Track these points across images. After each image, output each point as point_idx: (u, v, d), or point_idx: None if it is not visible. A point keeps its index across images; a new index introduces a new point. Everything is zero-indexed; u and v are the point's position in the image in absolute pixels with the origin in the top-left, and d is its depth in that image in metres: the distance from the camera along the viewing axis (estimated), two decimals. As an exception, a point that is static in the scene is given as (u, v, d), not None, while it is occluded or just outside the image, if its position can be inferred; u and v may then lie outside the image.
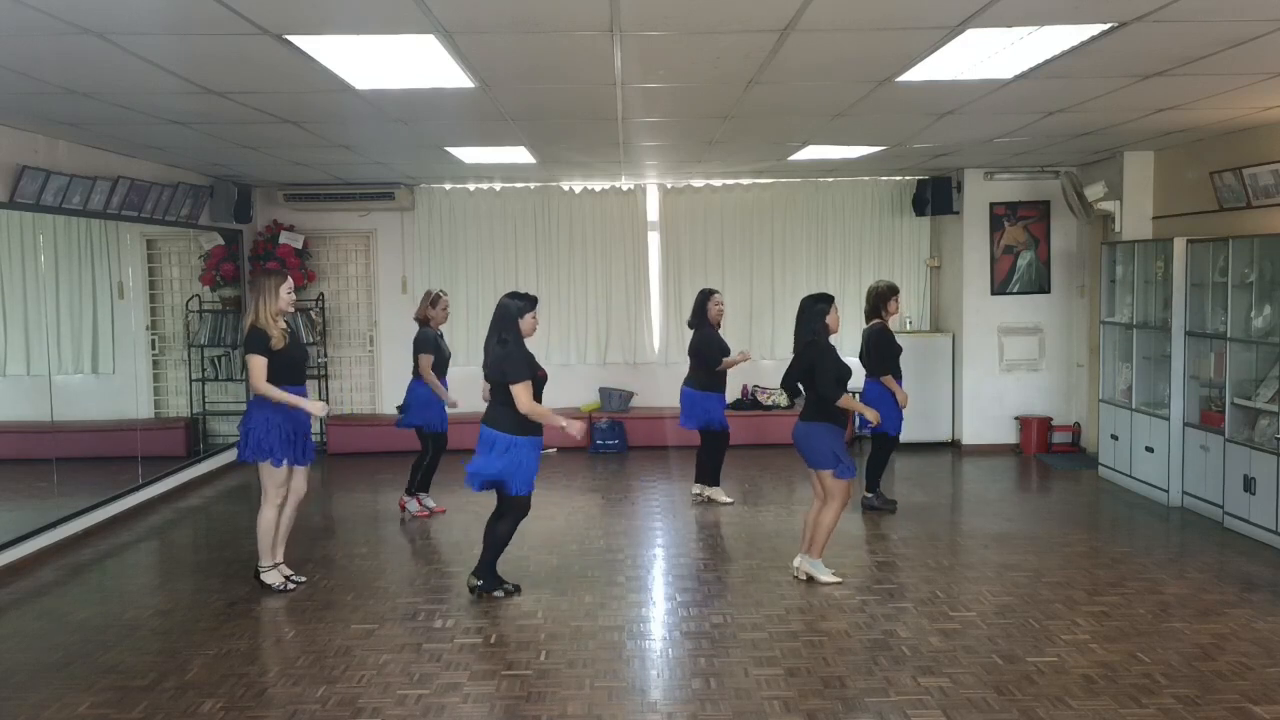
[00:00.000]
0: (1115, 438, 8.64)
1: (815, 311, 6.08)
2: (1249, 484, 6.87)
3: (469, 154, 8.26)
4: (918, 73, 5.26)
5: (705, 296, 8.11)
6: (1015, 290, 10.27)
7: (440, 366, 7.75)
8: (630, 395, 10.90)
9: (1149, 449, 8.10)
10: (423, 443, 7.81)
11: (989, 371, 10.30)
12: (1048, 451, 10.09)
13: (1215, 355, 7.41)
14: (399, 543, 7.28)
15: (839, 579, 6.00)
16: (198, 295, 9.80)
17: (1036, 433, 10.09)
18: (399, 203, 10.51)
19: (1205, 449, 7.46)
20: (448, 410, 7.79)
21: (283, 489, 5.93)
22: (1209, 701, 4.34)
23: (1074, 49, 4.77)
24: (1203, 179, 7.90)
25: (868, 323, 7.80)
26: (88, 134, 6.89)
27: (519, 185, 10.85)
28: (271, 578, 6.03)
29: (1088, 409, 9.95)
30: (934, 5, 4.09)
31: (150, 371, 9.01)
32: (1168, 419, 7.86)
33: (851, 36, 4.55)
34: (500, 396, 5.66)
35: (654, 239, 11.07)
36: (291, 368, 5.85)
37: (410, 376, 7.79)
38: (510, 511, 5.79)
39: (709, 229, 10.98)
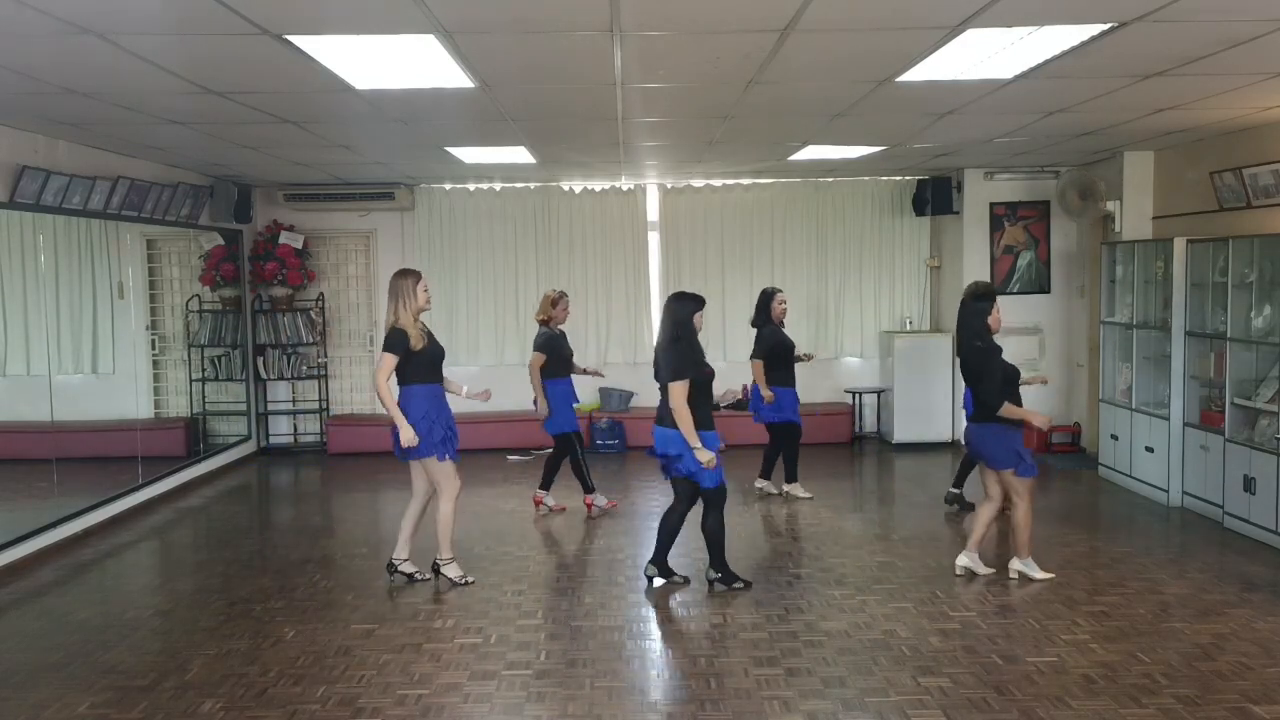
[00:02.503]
0: (1115, 438, 8.64)
1: (975, 311, 5.88)
2: (1249, 484, 6.87)
3: (469, 154, 8.26)
4: (918, 73, 5.26)
5: (769, 296, 8.10)
6: (1015, 290, 10.27)
7: (562, 366, 7.71)
8: (630, 395, 10.90)
9: (1149, 449, 8.10)
10: (564, 442, 7.74)
11: (989, 371, 10.28)
12: (1048, 451, 10.08)
13: (1215, 355, 7.41)
14: (399, 543, 7.28)
15: (1051, 575, 6.01)
16: (198, 295, 9.79)
17: (1036, 433, 10.08)
18: (399, 203, 10.50)
19: (1205, 449, 7.45)
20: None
21: (456, 480, 6.02)
22: (1209, 701, 4.33)
23: (1074, 49, 4.78)
24: (1203, 179, 7.90)
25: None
26: (88, 134, 6.89)
27: (519, 185, 10.84)
28: (452, 570, 6.10)
29: (1088, 409, 9.95)
30: (934, 5, 4.09)
31: (150, 371, 9.01)
32: (1168, 419, 7.86)
33: (851, 36, 4.55)
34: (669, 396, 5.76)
35: (654, 239, 11.07)
36: (431, 366, 5.92)
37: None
38: (710, 506, 5.89)
39: (709, 229, 10.97)
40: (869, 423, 11.15)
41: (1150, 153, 8.79)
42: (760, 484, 8.42)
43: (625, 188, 10.91)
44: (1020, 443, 5.83)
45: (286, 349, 10.67)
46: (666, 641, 5.16)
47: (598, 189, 10.92)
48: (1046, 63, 5.06)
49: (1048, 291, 10.29)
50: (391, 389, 5.74)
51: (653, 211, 11.04)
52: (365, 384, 11.06)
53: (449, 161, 8.70)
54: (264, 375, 10.63)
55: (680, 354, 5.71)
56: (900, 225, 11.01)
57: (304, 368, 10.72)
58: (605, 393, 10.83)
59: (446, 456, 5.93)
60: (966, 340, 5.96)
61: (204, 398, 9.89)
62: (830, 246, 11.00)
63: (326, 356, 10.88)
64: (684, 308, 5.83)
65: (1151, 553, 6.66)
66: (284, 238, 10.46)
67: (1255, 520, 6.81)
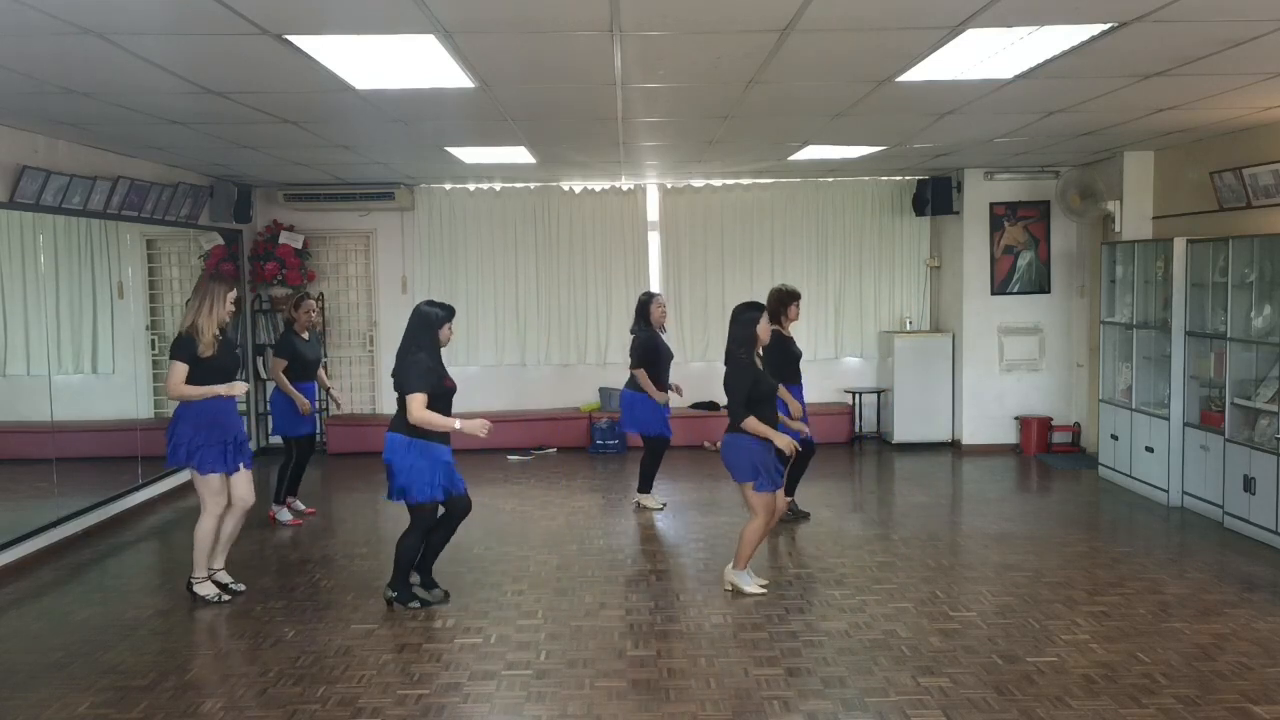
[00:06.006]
0: (1115, 438, 8.64)
1: (744, 320, 5.64)
2: (1249, 484, 6.87)
3: (469, 154, 8.26)
4: (918, 73, 5.26)
5: (648, 299, 7.89)
6: (1015, 290, 10.27)
7: (307, 370, 7.65)
8: (630, 395, 10.88)
9: (1149, 449, 8.10)
10: (287, 448, 7.72)
11: (989, 371, 10.30)
12: (1048, 451, 10.08)
13: (1215, 355, 7.41)
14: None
15: (763, 589, 5.79)
16: (198, 295, 9.78)
17: (1036, 433, 10.09)
18: (399, 203, 10.51)
19: (1205, 449, 7.45)
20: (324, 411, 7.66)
21: (220, 497, 5.80)
22: (1209, 701, 4.34)
23: (1074, 49, 4.77)
24: (1203, 179, 7.90)
25: None
26: (88, 134, 6.89)
27: (519, 185, 10.85)
28: (205, 589, 5.85)
29: (1088, 409, 9.95)
30: (934, 5, 4.09)
31: (150, 371, 9.00)
32: (1168, 419, 7.86)
33: (851, 36, 4.55)
34: (403, 402, 5.46)
35: (654, 239, 11.07)
36: (222, 374, 5.75)
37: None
38: (412, 522, 5.56)
39: (709, 229, 10.98)
40: (869, 423, 11.14)
41: (1150, 153, 8.79)
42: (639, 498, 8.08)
43: (625, 188, 10.92)
44: (764, 457, 5.52)
45: (286, 349, 10.65)
46: (666, 641, 5.16)
47: (598, 189, 10.92)
48: (1046, 63, 5.06)
49: (1048, 291, 10.29)
50: (201, 391, 5.61)
51: (653, 211, 11.05)
52: (365, 384, 11.08)
53: (449, 161, 8.70)
54: (264, 375, 10.62)
55: (416, 365, 5.37)
56: (900, 225, 11.01)
57: (304, 368, 10.70)
58: (605, 393, 10.83)
59: (209, 471, 5.71)
60: (729, 347, 5.71)
61: (204, 398, 9.87)
62: (830, 246, 11.00)
63: (326, 357, 10.86)
64: (431, 316, 5.46)
65: (1151, 553, 6.66)
66: (284, 238, 10.46)
67: (1255, 520, 6.81)
